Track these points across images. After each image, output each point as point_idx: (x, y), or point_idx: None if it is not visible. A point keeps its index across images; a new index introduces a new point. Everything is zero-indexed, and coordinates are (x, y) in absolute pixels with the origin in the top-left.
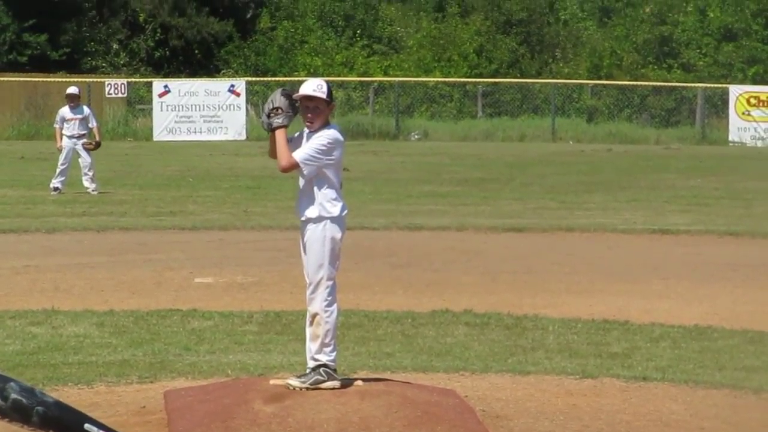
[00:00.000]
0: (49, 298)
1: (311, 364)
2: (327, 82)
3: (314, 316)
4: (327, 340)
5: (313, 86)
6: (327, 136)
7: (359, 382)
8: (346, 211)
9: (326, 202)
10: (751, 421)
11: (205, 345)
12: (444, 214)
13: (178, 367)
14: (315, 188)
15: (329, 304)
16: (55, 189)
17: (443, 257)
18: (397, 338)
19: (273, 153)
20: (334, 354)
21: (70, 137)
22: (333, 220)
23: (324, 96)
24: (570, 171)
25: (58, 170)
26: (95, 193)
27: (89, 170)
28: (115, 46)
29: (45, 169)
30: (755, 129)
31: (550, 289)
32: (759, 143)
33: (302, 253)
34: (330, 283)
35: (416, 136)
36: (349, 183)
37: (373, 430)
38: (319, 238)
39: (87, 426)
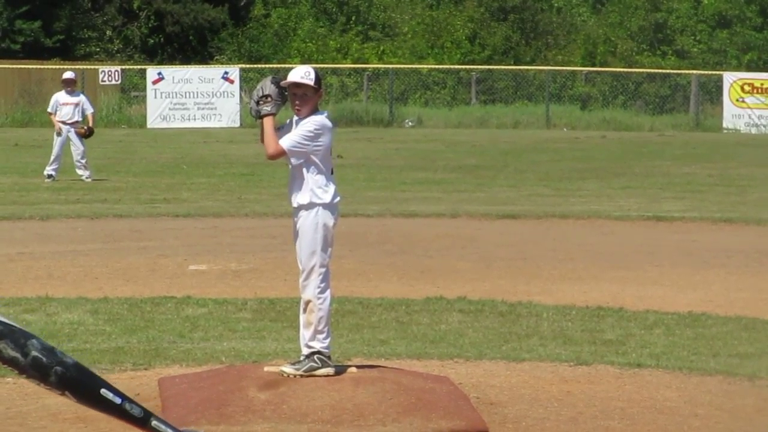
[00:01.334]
0: (43, 286)
1: (305, 351)
2: (316, 69)
3: (307, 302)
4: (320, 327)
5: (301, 73)
6: (314, 122)
7: (353, 369)
8: (338, 198)
9: (317, 188)
10: (746, 408)
11: (199, 332)
12: (438, 201)
13: (173, 354)
14: (305, 174)
15: (322, 291)
16: (49, 176)
17: (437, 244)
18: (391, 325)
19: (263, 140)
20: (327, 341)
21: (64, 124)
22: (325, 206)
23: (311, 83)
24: (564, 158)
25: (51, 157)
26: (89, 180)
27: (82, 158)
28: (108, 32)
29: (39, 156)
30: (749, 116)
31: (545, 275)
32: (753, 130)
33: (294, 240)
34: (323, 270)
35: (410, 123)
36: (343, 170)
37: (368, 417)
38: (311, 225)
39: (103, 391)
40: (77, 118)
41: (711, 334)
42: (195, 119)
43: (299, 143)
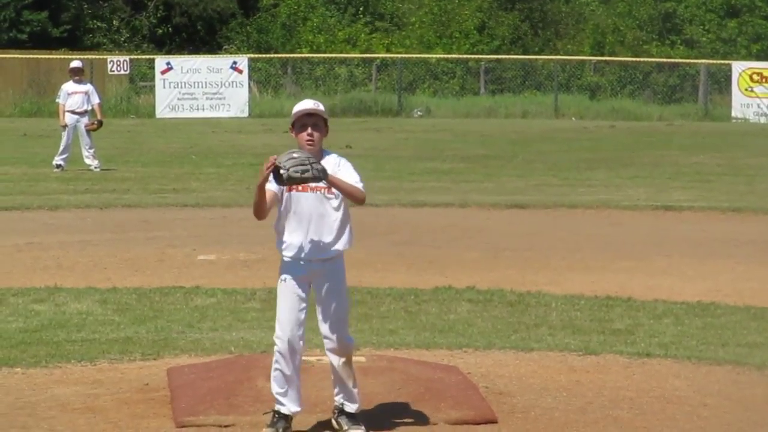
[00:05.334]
0: (51, 276)
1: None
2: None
3: (350, 358)
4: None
5: (311, 104)
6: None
7: (362, 359)
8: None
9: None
10: (754, 397)
11: (208, 322)
12: (446, 191)
13: (181, 344)
14: (344, 215)
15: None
16: (58, 166)
17: (446, 234)
18: (400, 315)
19: (260, 209)
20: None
21: (73, 113)
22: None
23: (323, 114)
24: (573, 148)
25: (60, 147)
26: (97, 170)
27: (89, 149)
28: (116, 23)
29: (47, 146)
30: (758, 105)
31: (553, 265)
32: (762, 119)
33: (323, 295)
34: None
35: (419, 113)
36: (352, 160)
37: (376, 407)
38: (343, 272)
39: None
40: (86, 107)
41: (720, 324)
42: (204, 109)
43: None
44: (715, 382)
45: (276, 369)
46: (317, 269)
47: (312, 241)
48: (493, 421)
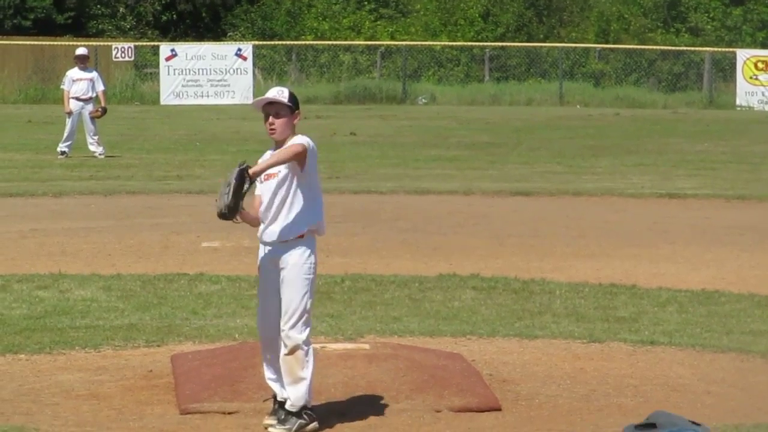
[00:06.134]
0: (56, 262)
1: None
2: (292, 91)
3: (294, 349)
4: (309, 377)
5: (275, 92)
6: (301, 139)
7: (366, 347)
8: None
9: (309, 215)
10: (759, 385)
11: (212, 309)
12: (451, 178)
13: (186, 331)
14: (299, 199)
15: (309, 334)
16: (62, 153)
17: (450, 221)
18: (404, 302)
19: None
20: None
21: (78, 99)
22: (313, 235)
23: (285, 100)
24: (577, 135)
25: (65, 134)
26: (102, 156)
27: (94, 135)
28: (121, 9)
29: (52, 132)
30: (763, 93)
31: (558, 253)
32: (767, 107)
33: (265, 280)
34: (310, 311)
35: (423, 101)
36: (357, 147)
37: (381, 394)
38: (304, 259)
39: None
40: (91, 93)
41: (724, 312)
42: (208, 96)
43: (308, 141)
44: (720, 370)
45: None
46: (277, 254)
47: (267, 225)
48: (497, 409)
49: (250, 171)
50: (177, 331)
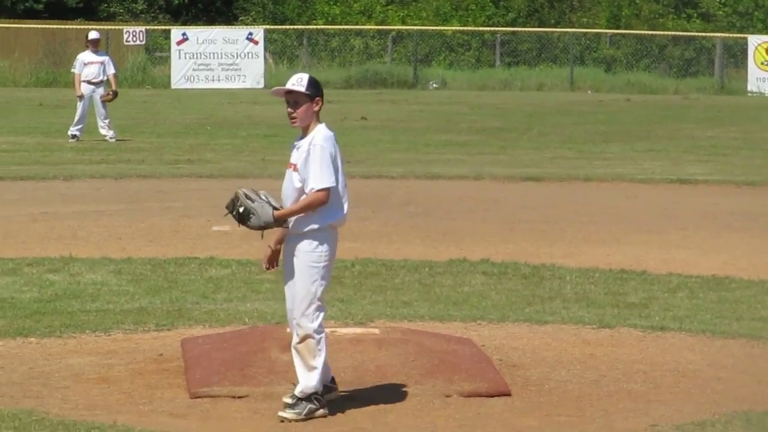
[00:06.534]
0: (66, 246)
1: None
2: (313, 77)
3: (305, 338)
4: (318, 364)
5: (294, 80)
6: (320, 145)
7: (376, 331)
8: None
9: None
10: None
11: (223, 293)
12: (462, 163)
13: (196, 315)
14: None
15: (321, 323)
16: (73, 136)
17: (461, 206)
18: (415, 287)
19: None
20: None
21: (89, 83)
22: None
23: (303, 89)
24: (588, 121)
25: (76, 118)
26: (112, 140)
27: (105, 119)
28: None
29: (63, 116)
30: None
31: (568, 238)
32: None
33: (290, 271)
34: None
35: (434, 85)
36: (368, 131)
37: (390, 379)
38: (312, 253)
39: None
40: (102, 77)
41: (734, 298)
42: (219, 80)
43: (332, 173)
44: (730, 356)
45: None
46: (293, 243)
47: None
48: (507, 394)
49: (275, 214)
50: (187, 315)
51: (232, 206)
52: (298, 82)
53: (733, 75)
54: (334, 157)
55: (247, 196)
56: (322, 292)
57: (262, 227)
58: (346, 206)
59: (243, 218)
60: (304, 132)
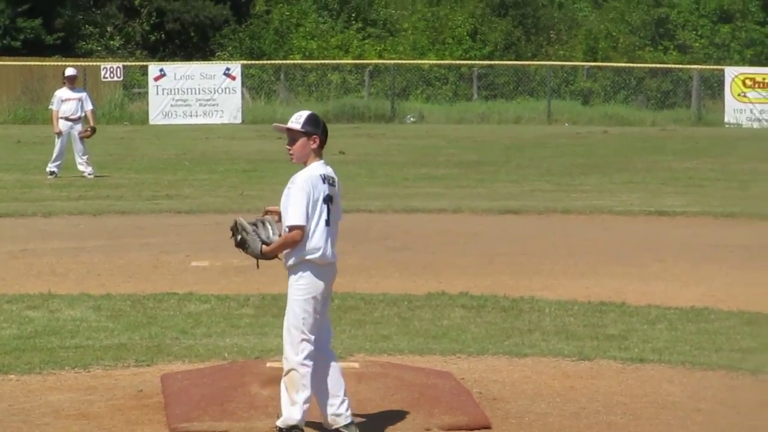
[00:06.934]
0: (45, 282)
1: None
2: (314, 114)
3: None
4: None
5: (293, 117)
6: (298, 186)
7: (356, 365)
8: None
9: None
10: (749, 403)
11: (202, 328)
12: (440, 196)
13: (175, 350)
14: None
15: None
16: (51, 173)
17: (439, 240)
18: (394, 321)
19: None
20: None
21: (67, 119)
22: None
23: (298, 127)
24: (566, 153)
25: (54, 154)
26: (91, 176)
27: (83, 155)
28: (110, 29)
29: (41, 153)
30: (751, 110)
31: (547, 271)
32: (755, 124)
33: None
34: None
35: (412, 119)
36: (346, 166)
37: (370, 413)
38: (296, 287)
39: None
40: (80, 113)
41: (714, 329)
42: (197, 116)
43: (303, 212)
44: (709, 388)
45: None
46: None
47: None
48: (487, 427)
49: (264, 250)
50: (167, 351)
51: (234, 232)
52: (296, 119)
53: (711, 106)
54: (312, 196)
55: (242, 228)
56: (311, 324)
57: (258, 257)
58: (325, 243)
59: (241, 246)
60: (303, 167)
